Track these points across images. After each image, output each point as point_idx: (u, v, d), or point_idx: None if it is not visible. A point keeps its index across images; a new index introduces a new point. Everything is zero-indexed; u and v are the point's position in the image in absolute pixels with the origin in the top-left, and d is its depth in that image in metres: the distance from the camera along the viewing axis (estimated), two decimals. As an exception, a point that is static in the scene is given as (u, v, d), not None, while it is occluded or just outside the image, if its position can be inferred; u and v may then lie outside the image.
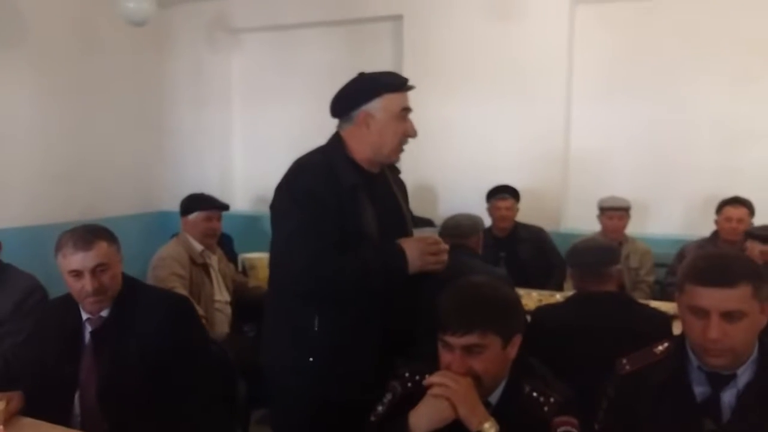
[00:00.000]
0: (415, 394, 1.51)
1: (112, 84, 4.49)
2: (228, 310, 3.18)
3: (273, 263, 1.94)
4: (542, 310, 2.59)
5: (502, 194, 4.02)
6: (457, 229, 2.89)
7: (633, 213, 3.83)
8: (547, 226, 4.16)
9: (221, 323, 3.11)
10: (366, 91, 1.86)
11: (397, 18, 4.73)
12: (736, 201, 3.57)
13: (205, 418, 2.01)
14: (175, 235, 3.30)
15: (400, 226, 1.97)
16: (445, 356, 1.48)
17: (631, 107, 4.22)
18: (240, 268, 3.66)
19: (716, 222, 3.63)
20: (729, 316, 1.38)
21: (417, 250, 1.81)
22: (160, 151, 4.93)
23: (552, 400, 1.47)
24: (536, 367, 1.56)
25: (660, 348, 1.59)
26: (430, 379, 1.47)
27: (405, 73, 5.02)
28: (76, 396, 1.99)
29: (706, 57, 4.04)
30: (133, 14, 3.87)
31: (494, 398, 1.51)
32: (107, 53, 4.43)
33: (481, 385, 1.45)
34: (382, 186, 1.99)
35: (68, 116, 4.17)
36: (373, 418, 1.59)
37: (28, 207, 3.84)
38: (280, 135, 5.07)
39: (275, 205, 1.90)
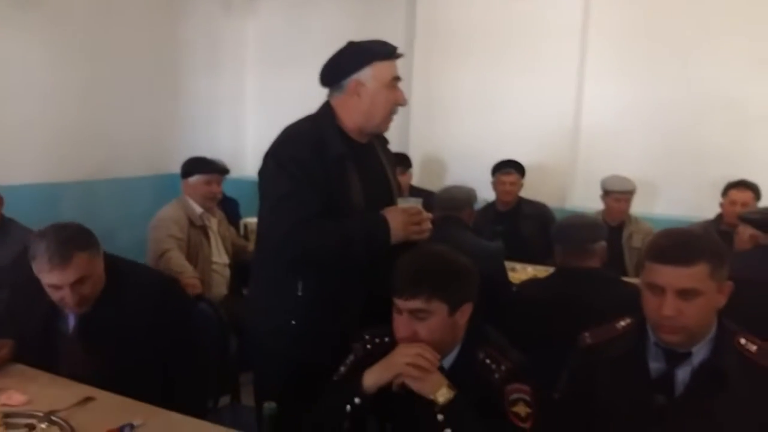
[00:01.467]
0: (375, 355, 1.56)
1: (126, 47, 4.54)
2: (227, 272, 3.27)
3: (259, 229, 1.98)
4: (527, 284, 2.62)
5: (507, 169, 4.02)
6: (450, 202, 2.91)
7: (640, 193, 3.80)
8: (553, 203, 4.15)
9: (219, 285, 3.20)
10: (356, 60, 1.87)
11: (411, -15, 4.71)
12: (742, 184, 3.52)
13: (195, 390, 2.06)
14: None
15: (386, 196, 1.98)
16: (396, 320, 1.53)
17: (644, 86, 4.15)
18: (242, 232, 3.74)
19: (721, 205, 3.59)
20: (684, 293, 1.40)
21: (400, 221, 1.83)
22: (174, 115, 5.00)
23: (503, 367, 1.50)
24: (491, 336, 1.59)
25: (622, 323, 1.62)
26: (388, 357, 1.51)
27: (417, 44, 5.05)
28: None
29: (722, 37, 3.94)
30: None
31: (447, 363, 1.55)
32: (123, 16, 4.47)
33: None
34: (371, 156, 2.01)
35: (83, 78, 4.25)
36: (335, 378, 1.64)
37: (40, 164, 3.94)
38: (293, 101, 5.01)
39: (262, 172, 1.93)
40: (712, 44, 3.96)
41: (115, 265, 1.98)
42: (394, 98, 1.91)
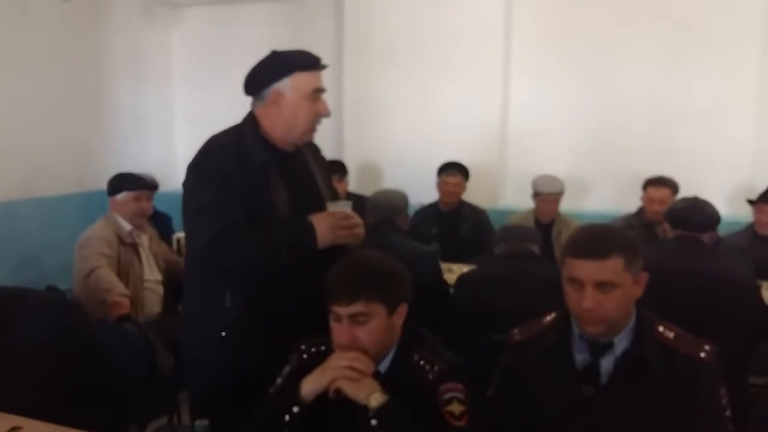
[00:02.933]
0: (312, 365, 1.55)
1: (46, 59, 4.36)
2: (160, 289, 3.18)
3: (186, 240, 1.96)
4: (462, 276, 2.70)
5: (452, 170, 4.09)
6: (385, 208, 2.92)
7: (569, 190, 3.92)
8: (485, 203, 4.24)
9: (152, 303, 3.10)
10: (277, 70, 1.86)
11: (338, -6, 4.73)
12: (659, 182, 3.66)
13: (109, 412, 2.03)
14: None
15: (316, 203, 1.96)
16: (335, 327, 1.52)
17: (569, 84, 4.32)
18: (175, 247, 3.65)
19: (641, 199, 3.75)
20: (602, 286, 1.46)
21: (327, 225, 1.82)
22: (99, 128, 4.83)
23: (436, 367, 1.52)
24: (425, 337, 1.61)
25: (548, 318, 1.67)
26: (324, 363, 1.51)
27: (346, 50, 5.05)
28: None
29: (641, 36, 4.14)
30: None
31: (383, 367, 1.56)
32: (40, 27, 4.29)
33: (368, 356, 1.49)
34: (298, 163, 1.99)
35: (1, 92, 4.06)
36: (271, 390, 1.62)
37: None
38: (222, 111, 4.96)
39: (185, 184, 1.90)
40: (633, 42, 4.16)
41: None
42: (316, 109, 1.90)
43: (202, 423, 1.27)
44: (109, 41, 4.85)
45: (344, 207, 1.93)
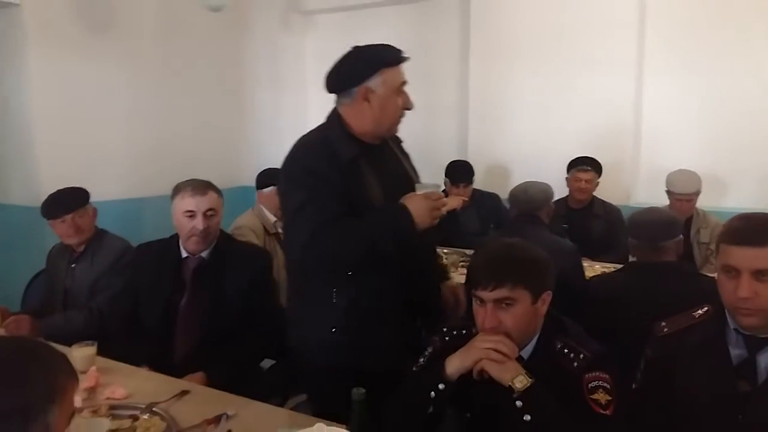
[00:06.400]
0: (454, 347, 1.60)
1: (194, 67, 4.76)
2: (298, 276, 3.39)
3: (286, 243, 1.99)
4: (597, 279, 2.62)
5: (584, 166, 3.95)
6: (528, 202, 2.85)
7: (706, 186, 3.70)
8: (617, 201, 4.10)
9: (292, 289, 3.32)
10: (365, 67, 1.86)
11: (465, -7, 4.77)
12: None
13: (260, 345, 2.38)
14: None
15: (408, 190, 1.91)
16: (479, 312, 1.56)
17: (705, 77, 4.07)
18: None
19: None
20: (760, 274, 1.40)
21: (424, 207, 1.81)
22: (241, 130, 5.21)
23: (582, 356, 1.52)
24: (569, 326, 1.62)
25: (699, 312, 1.63)
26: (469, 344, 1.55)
27: (472, 48, 5.09)
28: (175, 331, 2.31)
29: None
30: (211, 1, 4.14)
31: (526, 353, 1.59)
32: (189, 38, 4.70)
33: (512, 340, 1.52)
34: (386, 154, 2.00)
35: (156, 98, 4.49)
36: (414, 369, 1.70)
37: (120, 182, 4.18)
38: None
39: (279, 188, 1.96)
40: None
41: (225, 232, 2.49)
42: (403, 103, 1.90)
43: (359, 390, 1.36)
44: (250, 49, 5.21)
45: (433, 187, 1.90)
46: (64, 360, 1.06)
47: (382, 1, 5.09)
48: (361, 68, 1.86)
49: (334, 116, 1.94)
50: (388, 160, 1.99)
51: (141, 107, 4.36)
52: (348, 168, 1.83)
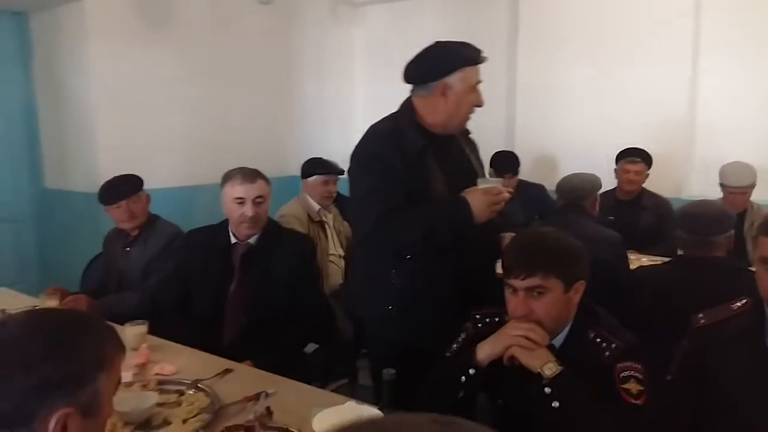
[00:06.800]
0: (486, 333, 1.63)
1: (245, 59, 4.87)
2: (341, 263, 3.47)
3: (353, 225, 2.11)
4: (642, 270, 2.58)
5: (633, 157, 3.88)
6: (572, 192, 2.88)
7: (762, 178, 3.56)
8: (669, 193, 4.00)
9: (335, 274, 3.40)
10: (448, 63, 1.94)
11: (514, -17, 4.72)
12: None
13: (306, 329, 2.45)
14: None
15: (471, 184, 2.00)
16: (510, 300, 1.58)
17: (762, 71, 3.91)
18: (354, 227, 3.93)
19: None
20: None
21: (483, 201, 1.89)
22: (289, 121, 5.30)
23: (614, 345, 1.52)
24: (601, 316, 1.61)
25: (738, 304, 1.60)
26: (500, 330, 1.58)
27: (521, 39, 5.03)
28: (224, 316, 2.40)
29: None
30: (261, -7, 4.24)
31: (558, 341, 1.59)
32: (241, 31, 4.81)
33: (543, 328, 1.53)
34: (452, 147, 2.08)
35: (208, 89, 4.62)
36: (447, 354, 1.74)
37: (175, 170, 4.34)
38: (395, 103, 5.25)
39: (350, 171, 2.05)
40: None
41: (272, 219, 2.55)
42: (475, 100, 1.99)
43: (389, 371, 1.40)
44: (299, 41, 5.29)
45: (495, 183, 1.98)
46: (113, 332, 1.12)
47: (430, -9, 5.09)
48: (443, 64, 1.94)
49: (407, 105, 2.02)
50: (453, 153, 2.07)
51: (194, 99, 4.50)
52: (415, 159, 1.93)
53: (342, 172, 3.57)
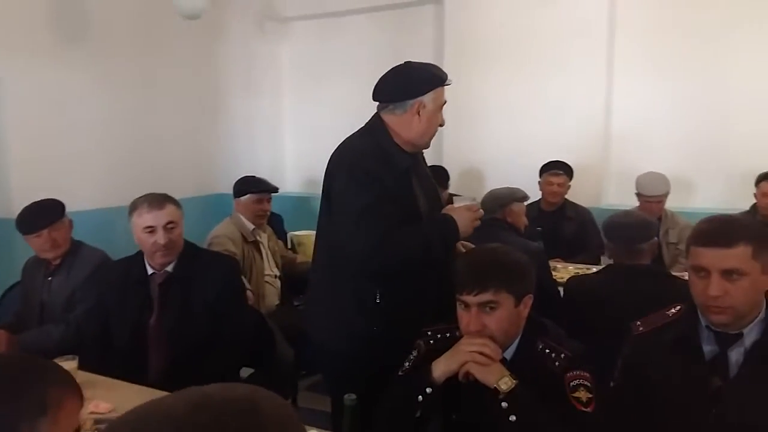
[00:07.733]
0: (439, 350, 1.65)
1: (170, 75, 4.74)
2: (277, 283, 3.40)
3: (334, 241, 2.01)
4: (575, 280, 2.69)
5: (556, 170, 4.08)
6: (491, 203, 3.00)
7: (675, 188, 3.81)
8: (588, 202, 4.20)
9: (271, 295, 3.33)
10: (426, 82, 1.99)
11: (438, 1, 4.82)
12: None
13: (235, 353, 2.34)
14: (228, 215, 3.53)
15: (437, 201, 2.15)
16: (463, 316, 1.61)
17: (674, 81, 4.21)
18: (289, 245, 3.87)
19: (755, 195, 3.60)
20: (728, 274, 1.46)
21: (467, 218, 1.99)
22: (216, 137, 5.19)
23: (563, 355, 1.58)
24: (549, 327, 1.67)
25: (672, 311, 1.68)
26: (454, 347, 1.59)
27: (446, 55, 5.13)
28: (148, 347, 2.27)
29: (748, 31, 3.98)
30: (187, 9, 4.10)
31: (509, 354, 1.63)
32: (165, 46, 4.68)
33: (495, 343, 1.57)
34: (421, 166, 2.15)
35: (130, 106, 4.45)
36: (400, 373, 1.74)
37: (96, 191, 4.14)
38: (327, 119, 5.26)
39: (339, 188, 1.99)
40: (740, 36, 3.99)
41: (189, 242, 2.42)
42: (440, 120, 2.06)
43: (350, 397, 1.38)
44: (225, 56, 5.20)
45: (469, 201, 2.08)
46: (58, 373, 1.04)
47: (358, 8, 5.12)
48: (422, 83, 1.99)
49: (379, 123, 2.04)
50: (423, 172, 2.14)
51: (116, 115, 4.33)
52: (401, 177, 1.98)
53: (275, 190, 3.52)
